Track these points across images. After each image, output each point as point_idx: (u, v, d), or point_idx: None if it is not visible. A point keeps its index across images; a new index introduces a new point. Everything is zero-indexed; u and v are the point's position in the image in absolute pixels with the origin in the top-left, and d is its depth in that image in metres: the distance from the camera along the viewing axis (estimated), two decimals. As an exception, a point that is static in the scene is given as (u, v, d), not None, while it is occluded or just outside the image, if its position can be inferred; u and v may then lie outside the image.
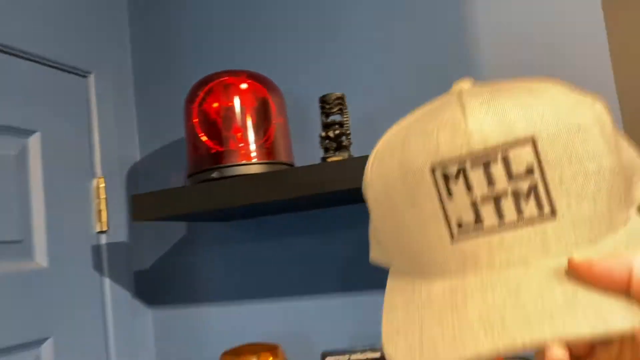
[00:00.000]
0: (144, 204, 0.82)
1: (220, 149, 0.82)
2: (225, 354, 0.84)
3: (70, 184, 0.96)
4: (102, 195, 1.01)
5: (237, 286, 1.02)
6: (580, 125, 0.34)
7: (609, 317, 0.29)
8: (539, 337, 0.29)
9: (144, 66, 1.13)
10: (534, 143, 0.33)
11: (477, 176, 0.33)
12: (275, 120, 0.85)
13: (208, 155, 0.83)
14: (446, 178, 0.34)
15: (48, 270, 0.89)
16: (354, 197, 0.86)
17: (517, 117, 0.33)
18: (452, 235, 0.34)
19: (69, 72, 0.99)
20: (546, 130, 0.33)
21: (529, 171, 0.33)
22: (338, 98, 0.77)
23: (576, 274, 0.31)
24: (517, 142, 0.33)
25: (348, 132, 0.77)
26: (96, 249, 0.99)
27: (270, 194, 0.74)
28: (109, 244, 1.01)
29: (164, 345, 1.08)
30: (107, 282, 1.00)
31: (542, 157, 0.33)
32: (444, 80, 0.90)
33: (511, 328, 0.30)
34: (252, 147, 0.83)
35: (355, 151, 0.93)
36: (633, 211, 0.36)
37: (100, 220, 1.00)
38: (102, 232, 1.00)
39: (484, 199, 0.33)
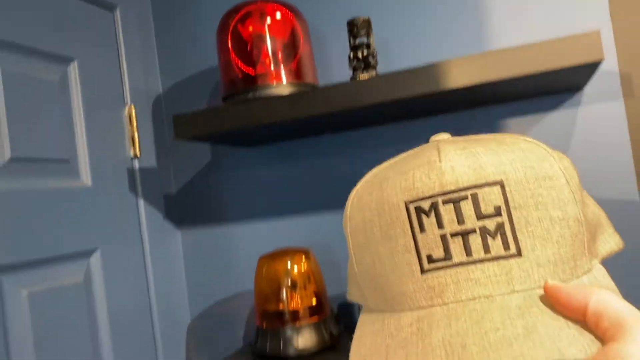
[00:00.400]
0: (186, 123, 0.89)
1: (253, 73, 0.89)
2: (262, 257, 0.93)
3: (106, 111, 1.02)
4: (134, 123, 1.07)
5: (262, 206, 1.11)
6: (547, 174, 0.36)
7: (564, 349, 0.30)
8: None
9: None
10: (502, 186, 0.35)
11: (448, 213, 0.35)
12: (303, 45, 0.92)
13: (242, 78, 0.90)
14: (419, 214, 0.36)
15: (92, 189, 0.96)
16: (374, 119, 0.94)
17: (488, 162, 0.36)
18: (422, 268, 0.36)
19: (98, 4, 1.04)
20: (514, 176, 0.35)
21: (497, 212, 0.35)
22: (365, 21, 0.84)
23: (547, 295, 0.33)
24: (487, 184, 0.35)
25: (374, 53, 0.85)
26: (131, 173, 1.06)
27: (309, 110, 0.82)
28: (141, 169, 1.08)
29: (193, 263, 1.17)
30: (141, 203, 1.08)
31: (510, 199, 0.35)
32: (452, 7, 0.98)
33: (471, 353, 0.31)
34: (283, 70, 0.90)
35: (380, 70, 1.01)
36: (596, 262, 0.38)
37: (134, 145, 1.07)
38: (135, 157, 1.07)
39: (454, 235, 0.35)
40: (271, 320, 0.89)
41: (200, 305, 1.16)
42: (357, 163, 1.04)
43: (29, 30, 0.88)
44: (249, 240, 1.12)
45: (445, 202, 0.35)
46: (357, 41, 0.84)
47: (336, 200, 1.06)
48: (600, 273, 0.37)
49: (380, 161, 1.03)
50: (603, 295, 0.31)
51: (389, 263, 0.37)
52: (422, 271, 0.36)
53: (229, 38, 0.91)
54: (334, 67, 1.05)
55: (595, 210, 0.41)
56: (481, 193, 0.35)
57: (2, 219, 0.79)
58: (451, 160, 0.36)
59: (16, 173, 0.83)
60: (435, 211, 0.36)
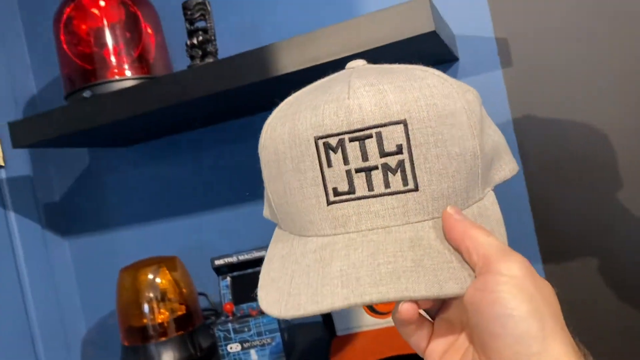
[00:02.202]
0: (21, 130, 0.81)
1: (90, 67, 0.81)
2: (122, 270, 0.86)
3: (-44, 120, 0.94)
4: (-6, 130, 0.99)
5: (144, 209, 1.04)
6: (449, 112, 0.37)
7: (443, 282, 0.34)
8: (384, 296, 0.34)
9: (28, -6, 1.09)
10: (405, 125, 0.36)
11: (353, 151, 0.37)
12: (146, 33, 0.83)
13: (79, 74, 0.81)
14: (327, 150, 0.37)
15: (-59, 207, 0.89)
16: (246, 108, 0.86)
17: (394, 100, 0.37)
18: (327, 200, 0.38)
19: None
20: (417, 115, 0.36)
21: (399, 150, 0.36)
22: (199, 3, 0.75)
23: (443, 220, 0.37)
24: (391, 123, 0.36)
25: (213, 38, 0.76)
26: (-5, 184, 0.98)
27: (138, 108, 0.74)
28: (9, 179, 1.00)
29: (84, 272, 1.09)
30: (12, 215, 1.00)
31: (411, 138, 0.36)
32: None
33: (364, 285, 0.34)
34: (125, 62, 0.81)
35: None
36: (488, 190, 0.41)
37: (-5, 155, 0.99)
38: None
39: (358, 170, 0.37)
40: (134, 336, 0.83)
41: (96, 315, 1.10)
42: (235, 155, 0.97)
43: None
44: (135, 244, 1.05)
45: (351, 140, 0.37)
46: (193, 26, 0.76)
47: (216, 198, 0.98)
48: (489, 201, 0.40)
49: (247, 154, 0.95)
50: (474, 232, 0.35)
51: (299, 194, 0.39)
52: (328, 203, 0.38)
53: (61, 32, 0.82)
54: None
55: (495, 139, 0.42)
56: (385, 132, 0.36)
57: None
58: (359, 97, 0.37)
59: None
60: (342, 148, 0.37)
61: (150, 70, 0.83)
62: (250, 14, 0.93)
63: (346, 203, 0.37)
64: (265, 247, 0.80)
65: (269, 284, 0.39)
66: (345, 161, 0.37)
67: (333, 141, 0.37)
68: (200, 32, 0.75)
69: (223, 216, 0.98)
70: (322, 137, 0.38)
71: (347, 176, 0.37)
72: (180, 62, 0.96)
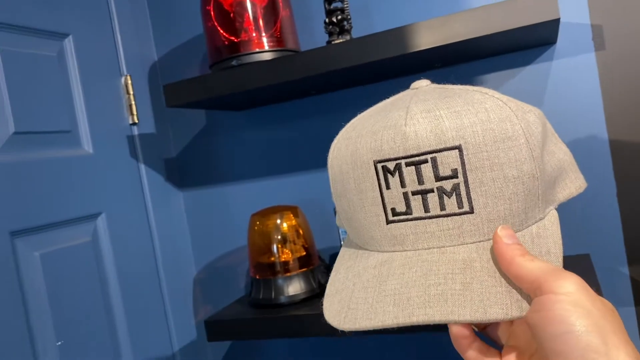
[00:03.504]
0: (175, 92, 0.95)
1: (236, 40, 0.94)
2: (254, 214, 1.00)
3: (103, 82, 1.08)
4: (131, 91, 1.13)
5: (255, 166, 1.17)
6: (507, 135, 0.38)
7: (489, 307, 0.36)
8: (430, 318, 0.36)
9: (153, -30, 1.22)
10: (460, 150, 0.38)
11: (409, 175, 0.39)
12: (283, 11, 0.96)
13: (226, 46, 0.94)
14: (385, 173, 0.40)
15: (94, 156, 1.03)
16: (356, 79, 0.98)
17: (450, 127, 0.39)
18: (387, 219, 0.41)
19: (89, -22, 1.08)
20: (472, 140, 0.38)
21: (454, 174, 0.39)
22: (338, -14, 0.87)
23: (493, 243, 0.38)
24: (446, 149, 0.38)
25: (348, 17, 0.88)
26: (131, 139, 1.13)
27: (285, 76, 0.87)
28: (140, 135, 1.15)
29: (195, 221, 1.24)
30: (142, 167, 1.14)
31: (466, 162, 0.38)
32: (432, -32, 1.00)
33: (413, 306, 0.37)
34: (264, 37, 0.94)
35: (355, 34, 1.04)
36: (551, 209, 0.42)
37: (132, 113, 1.13)
38: (134, 124, 1.13)
39: (415, 193, 0.40)
40: (264, 271, 0.97)
41: (204, 259, 1.25)
42: (341, 123, 1.09)
43: (24, 9, 0.93)
44: (244, 198, 1.19)
45: (407, 165, 0.39)
46: (332, 6, 0.88)
47: (324, 159, 1.11)
48: (550, 220, 0.41)
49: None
50: (520, 260, 0.36)
51: (361, 211, 0.43)
52: (387, 222, 0.41)
53: (211, 7, 0.95)
54: (318, 33, 1.08)
55: (560, 157, 0.44)
56: (440, 157, 0.39)
57: (13, 188, 0.87)
58: (415, 124, 0.39)
59: (21, 145, 0.90)
60: (399, 172, 0.40)
61: (283, 44, 0.96)
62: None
63: (404, 223, 0.40)
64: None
65: (333, 295, 0.43)
66: (402, 184, 0.40)
67: (390, 165, 0.40)
68: (338, 12, 0.88)
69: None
70: (380, 161, 0.40)
71: (404, 198, 0.40)
72: (304, 34, 1.08)
